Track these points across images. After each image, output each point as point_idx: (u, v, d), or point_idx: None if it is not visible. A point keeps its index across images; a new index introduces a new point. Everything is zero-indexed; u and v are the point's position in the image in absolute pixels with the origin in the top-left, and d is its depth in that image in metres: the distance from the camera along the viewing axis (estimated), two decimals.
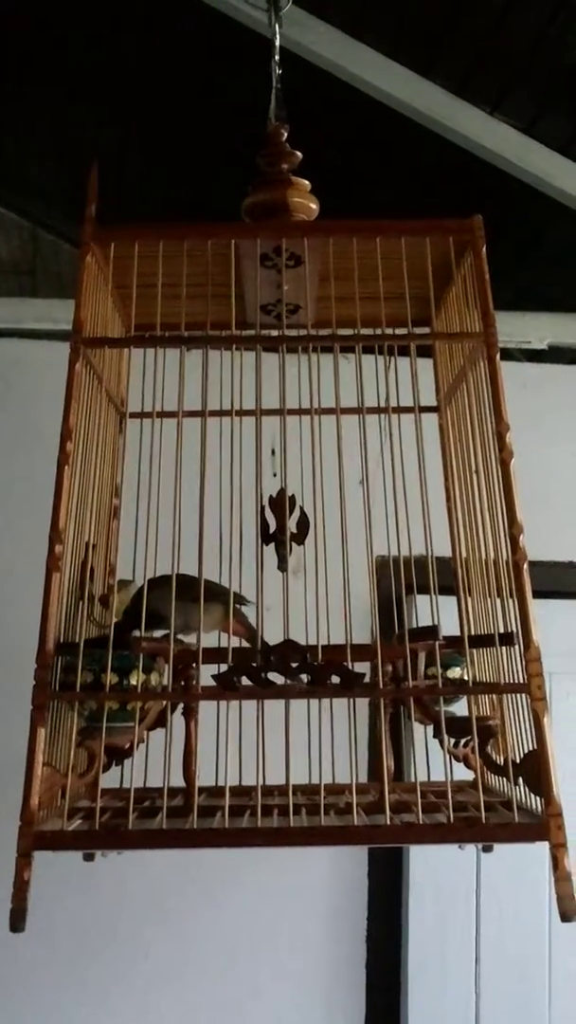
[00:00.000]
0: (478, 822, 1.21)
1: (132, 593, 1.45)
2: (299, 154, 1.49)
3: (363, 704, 1.39)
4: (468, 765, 1.38)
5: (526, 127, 2.60)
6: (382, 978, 2.63)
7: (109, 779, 1.33)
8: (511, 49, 2.42)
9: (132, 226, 1.39)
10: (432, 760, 1.36)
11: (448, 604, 1.40)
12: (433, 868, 2.62)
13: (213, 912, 2.62)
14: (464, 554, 1.52)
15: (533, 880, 2.59)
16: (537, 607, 1.25)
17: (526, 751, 1.24)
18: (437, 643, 1.27)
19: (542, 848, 1.22)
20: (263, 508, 1.34)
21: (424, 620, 1.31)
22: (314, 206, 1.48)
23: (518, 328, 2.80)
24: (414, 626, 1.32)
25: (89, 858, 1.39)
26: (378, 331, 1.39)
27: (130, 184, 3.35)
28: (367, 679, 1.25)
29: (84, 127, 3.22)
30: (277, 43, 1.60)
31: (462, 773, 1.36)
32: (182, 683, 1.32)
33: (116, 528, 1.53)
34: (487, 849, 1.40)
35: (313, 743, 1.31)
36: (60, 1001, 2.57)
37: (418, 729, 1.36)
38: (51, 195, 3.80)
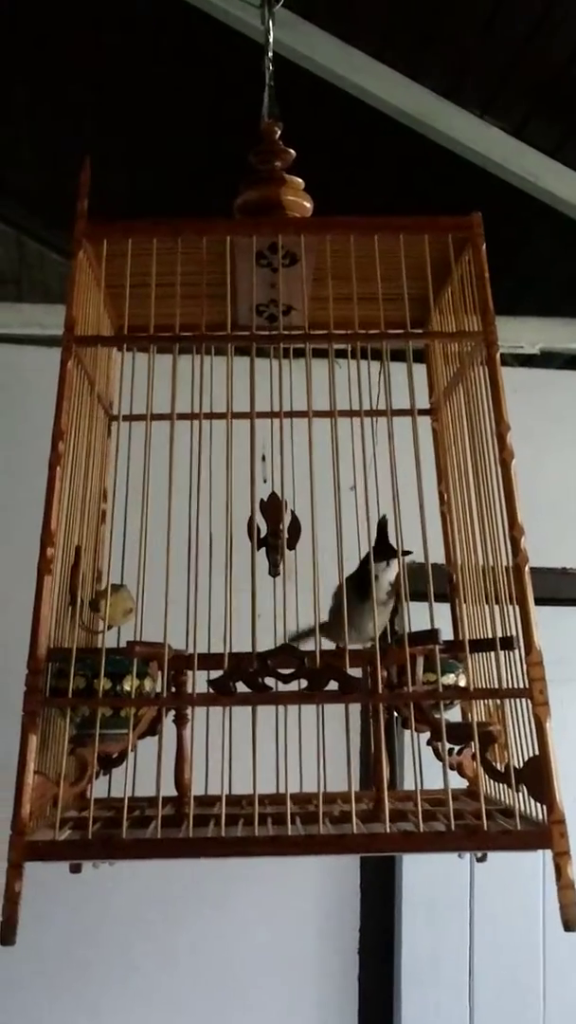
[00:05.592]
0: (479, 830, 1.19)
1: (124, 597, 1.42)
2: (292, 152, 1.46)
3: (355, 712, 1.36)
4: (461, 773, 1.35)
5: (515, 130, 2.59)
6: (375, 991, 2.61)
7: (95, 788, 1.30)
8: (499, 53, 2.41)
9: (124, 221, 1.36)
10: (424, 769, 1.33)
11: (442, 611, 1.37)
12: (426, 879, 2.60)
13: (202, 926, 2.59)
14: (460, 559, 1.50)
15: (527, 890, 2.56)
16: None
17: (524, 758, 1.21)
18: (437, 647, 1.24)
19: (536, 858, 1.19)
20: (254, 512, 1.32)
21: (417, 627, 1.28)
22: (308, 205, 1.45)
23: (510, 332, 2.79)
24: (410, 632, 1.29)
25: (76, 869, 1.35)
26: (374, 332, 1.37)
27: (116, 191, 3.32)
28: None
29: (69, 133, 3.19)
30: (271, 39, 1.58)
31: (454, 781, 1.33)
32: (173, 689, 1.29)
33: (104, 533, 1.50)
34: (482, 859, 1.37)
35: (305, 751, 1.28)
36: (47, 1018, 2.53)
37: (410, 737, 1.33)
38: (36, 203, 3.77)
